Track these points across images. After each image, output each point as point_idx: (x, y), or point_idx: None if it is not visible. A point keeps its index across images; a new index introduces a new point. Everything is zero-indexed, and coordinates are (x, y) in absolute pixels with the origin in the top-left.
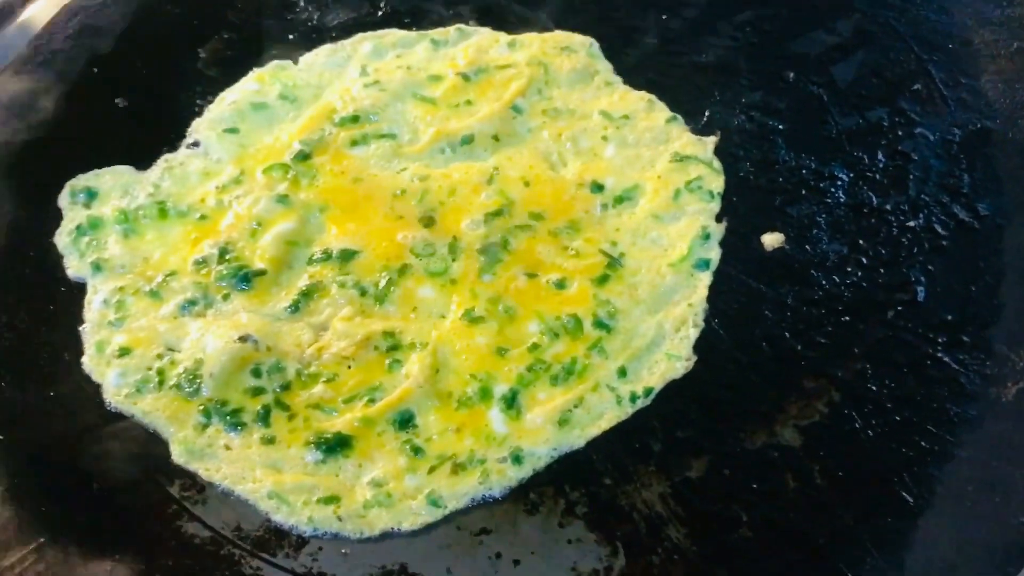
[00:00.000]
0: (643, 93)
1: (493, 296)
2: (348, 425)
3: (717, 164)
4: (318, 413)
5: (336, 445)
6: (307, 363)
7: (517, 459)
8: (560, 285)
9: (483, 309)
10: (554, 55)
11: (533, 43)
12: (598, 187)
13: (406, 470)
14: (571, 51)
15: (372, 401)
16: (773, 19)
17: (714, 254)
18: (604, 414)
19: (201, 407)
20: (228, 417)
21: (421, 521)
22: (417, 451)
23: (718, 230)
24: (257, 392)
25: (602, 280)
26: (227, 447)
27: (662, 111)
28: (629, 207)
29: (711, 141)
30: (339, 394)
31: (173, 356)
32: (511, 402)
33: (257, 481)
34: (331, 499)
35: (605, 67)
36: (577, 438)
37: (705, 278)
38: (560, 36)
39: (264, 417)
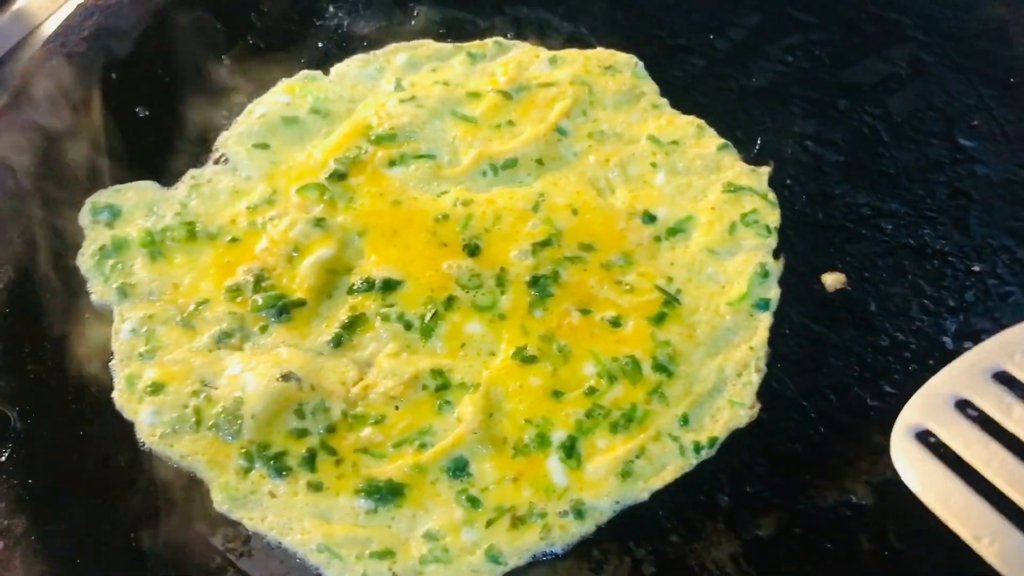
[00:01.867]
0: (692, 118)
1: (545, 333)
2: (399, 472)
3: (772, 196)
4: (367, 458)
5: (388, 494)
6: (353, 403)
7: (579, 513)
8: (615, 323)
9: (535, 348)
10: (598, 74)
11: (576, 60)
12: (650, 217)
13: (463, 523)
14: (616, 71)
15: (423, 446)
16: (824, 44)
17: (773, 293)
18: (667, 465)
19: (243, 450)
20: (272, 462)
21: None
22: (474, 502)
23: (776, 267)
24: (301, 434)
25: (659, 319)
26: (272, 494)
27: (713, 137)
28: (683, 240)
29: (765, 172)
30: (388, 438)
31: (209, 392)
32: (570, 451)
33: (306, 532)
34: (385, 553)
35: (651, 88)
36: (641, 491)
37: (766, 319)
38: (603, 54)
39: (310, 461)
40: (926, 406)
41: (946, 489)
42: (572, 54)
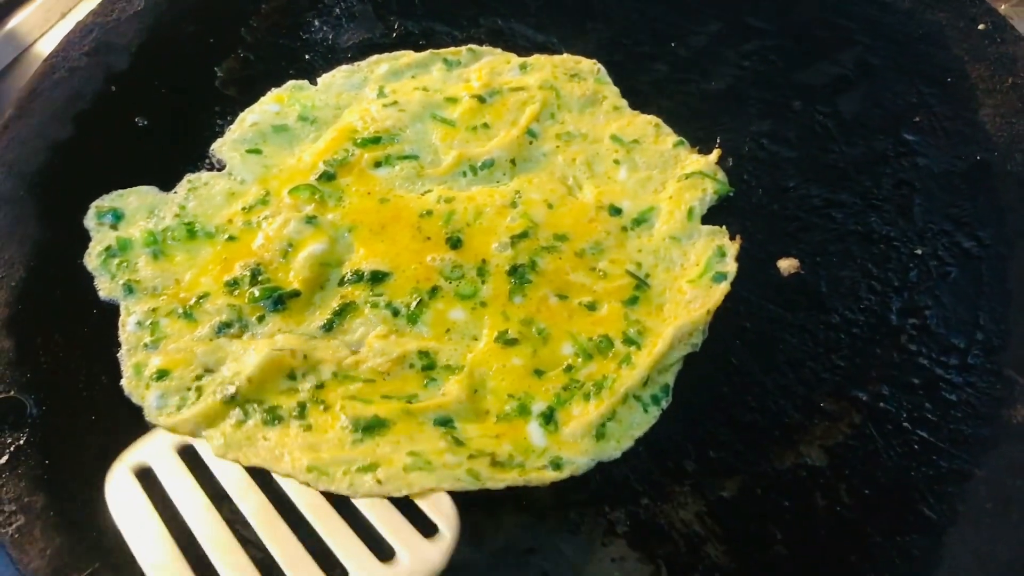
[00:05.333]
0: (650, 117)
1: (525, 318)
2: (387, 410)
3: (722, 175)
4: (355, 403)
5: (374, 425)
6: (344, 370)
7: (557, 466)
8: (591, 307)
9: (516, 331)
10: (564, 80)
11: (544, 66)
12: (616, 210)
13: (446, 451)
14: (580, 76)
15: (410, 402)
16: (778, 49)
17: (730, 268)
18: (635, 424)
19: (238, 407)
20: (265, 414)
21: (460, 487)
22: (457, 442)
23: (733, 247)
24: (292, 392)
25: (632, 301)
26: (265, 438)
27: (669, 135)
28: (647, 229)
29: (714, 155)
30: (376, 392)
31: (212, 376)
32: (548, 418)
33: (296, 459)
34: (370, 467)
35: (612, 92)
36: (614, 450)
37: (723, 287)
38: (569, 60)
39: (300, 412)
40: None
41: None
42: (540, 60)
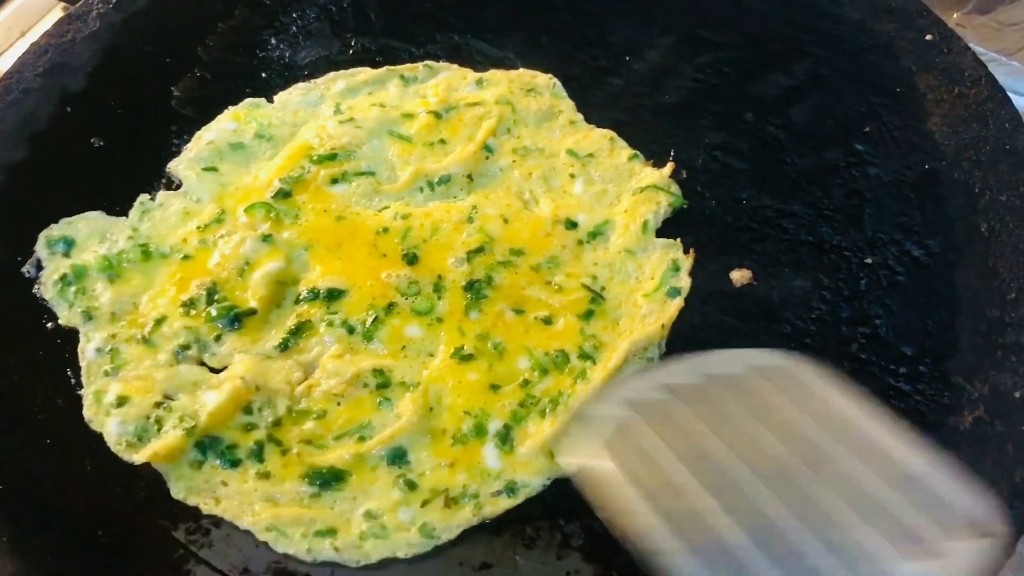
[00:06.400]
0: (606, 131)
1: (481, 333)
2: (341, 460)
3: (675, 188)
4: (310, 448)
5: (330, 479)
6: (297, 400)
7: (512, 491)
8: (547, 321)
9: (472, 347)
10: (521, 95)
11: (500, 81)
12: (572, 224)
13: (400, 503)
14: (536, 91)
15: (363, 439)
16: (732, 62)
17: (684, 283)
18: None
19: (196, 443)
20: (224, 453)
21: (414, 551)
22: (411, 485)
23: (687, 261)
24: (249, 428)
25: (588, 315)
26: (224, 483)
27: (624, 148)
28: (603, 242)
29: (668, 168)
30: (329, 431)
31: (169, 404)
32: (504, 438)
33: (256, 515)
34: (328, 532)
35: (568, 106)
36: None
37: (677, 303)
38: (526, 75)
39: (258, 454)
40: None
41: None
42: (497, 75)
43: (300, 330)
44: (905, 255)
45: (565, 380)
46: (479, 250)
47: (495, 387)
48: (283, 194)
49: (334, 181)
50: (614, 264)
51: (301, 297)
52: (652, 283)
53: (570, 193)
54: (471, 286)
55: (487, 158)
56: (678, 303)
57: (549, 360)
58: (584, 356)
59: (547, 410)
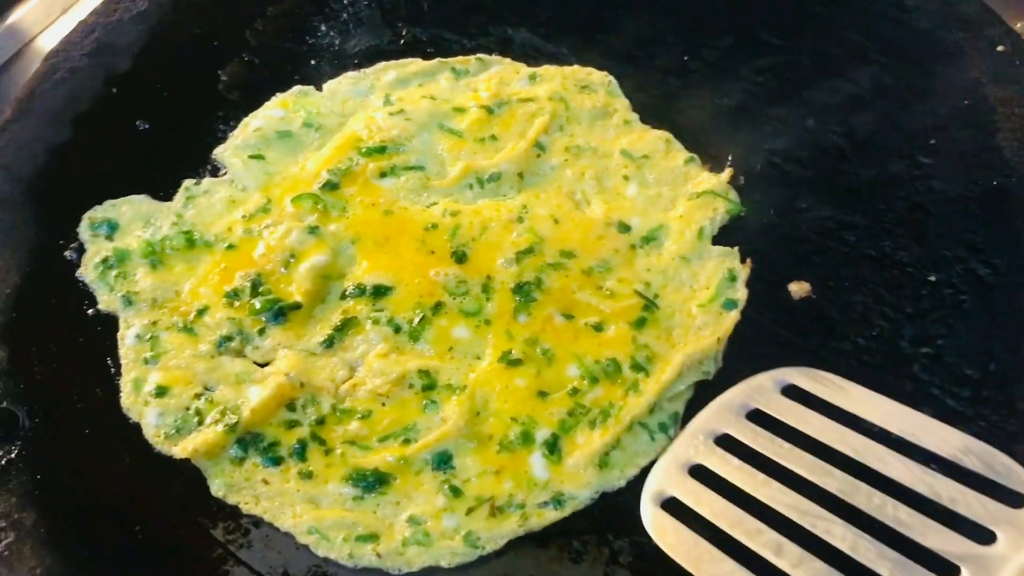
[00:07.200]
0: (661, 132)
1: (530, 338)
2: (384, 462)
3: (734, 195)
4: (354, 449)
5: (374, 482)
6: (342, 399)
7: (559, 503)
8: (598, 328)
9: (520, 351)
10: (575, 92)
11: (554, 77)
12: (625, 227)
13: (444, 510)
14: (591, 89)
15: (407, 442)
16: (792, 66)
17: (741, 295)
18: (641, 451)
19: (238, 440)
20: (266, 451)
21: (458, 561)
22: (455, 492)
23: (743, 271)
24: (292, 425)
25: (640, 323)
26: (265, 482)
27: (680, 151)
28: (656, 247)
29: (727, 174)
30: (373, 432)
31: (211, 395)
32: (552, 447)
33: (297, 516)
34: (370, 536)
35: (623, 104)
36: (618, 479)
37: (734, 316)
38: (580, 71)
39: (301, 452)
40: (666, 473)
41: (695, 550)
42: (550, 71)
43: (345, 327)
44: (970, 273)
45: (616, 391)
46: (528, 251)
47: (543, 394)
48: (331, 186)
49: (383, 174)
50: (668, 271)
51: (347, 292)
52: (707, 293)
53: (623, 195)
54: (520, 288)
55: (538, 156)
56: (734, 316)
57: (600, 369)
58: (637, 367)
59: (597, 421)
